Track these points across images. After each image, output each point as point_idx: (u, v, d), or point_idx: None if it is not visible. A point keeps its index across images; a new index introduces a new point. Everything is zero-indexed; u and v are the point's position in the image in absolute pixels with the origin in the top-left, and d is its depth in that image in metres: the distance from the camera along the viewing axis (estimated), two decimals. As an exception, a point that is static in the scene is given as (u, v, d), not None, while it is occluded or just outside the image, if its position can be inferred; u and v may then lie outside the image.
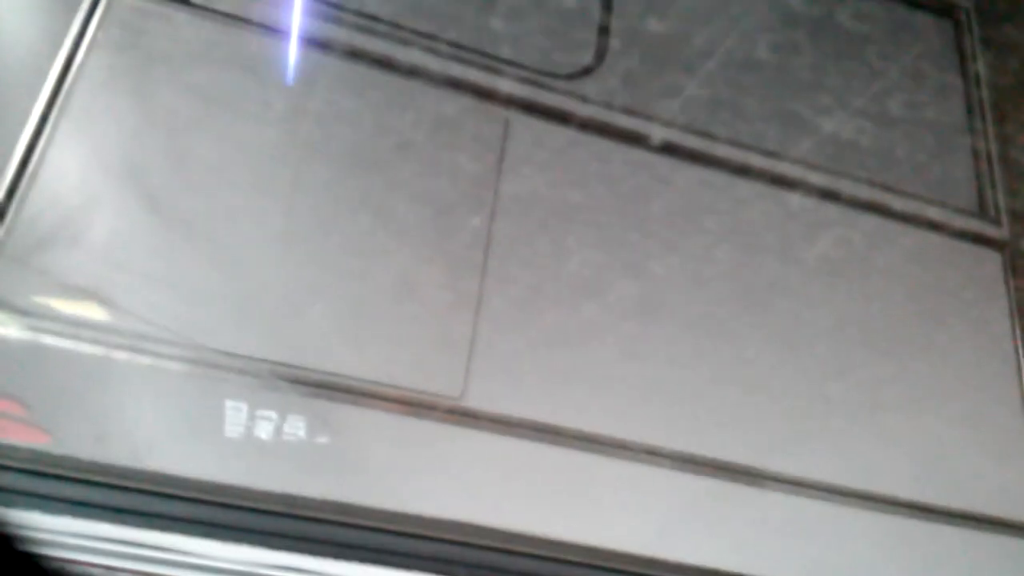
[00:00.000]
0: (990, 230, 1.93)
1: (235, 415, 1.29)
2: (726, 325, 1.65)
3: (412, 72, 1.63)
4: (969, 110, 2.06)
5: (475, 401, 1.44)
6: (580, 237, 1.64)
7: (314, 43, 1.58)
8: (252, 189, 1.46)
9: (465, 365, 1.46)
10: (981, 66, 2.11)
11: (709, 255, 1.71)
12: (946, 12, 2.16)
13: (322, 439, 1.32)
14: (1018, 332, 1.83)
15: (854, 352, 1.71)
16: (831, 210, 1.82)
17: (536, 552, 1.33)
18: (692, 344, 1.61)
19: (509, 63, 1.70)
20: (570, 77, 1.75)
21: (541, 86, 1.71)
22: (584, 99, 1.73)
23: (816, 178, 1.84)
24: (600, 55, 1.80)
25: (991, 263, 1.89)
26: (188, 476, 1.22)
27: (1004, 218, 1.95)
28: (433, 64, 1.64)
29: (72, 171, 1.36)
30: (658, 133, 1.76)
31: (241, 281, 1.39)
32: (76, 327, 1.26)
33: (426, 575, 1.24)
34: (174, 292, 1.34)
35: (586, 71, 1.77)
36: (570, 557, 1.35)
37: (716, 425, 1.56)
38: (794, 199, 1.81)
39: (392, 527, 1.26)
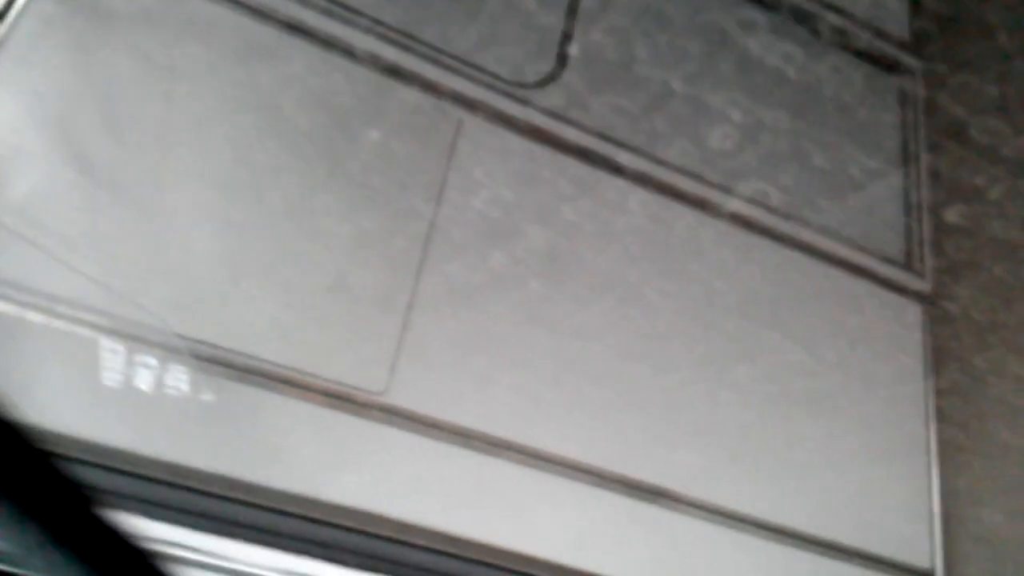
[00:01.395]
0: (914, 282, 2.00)
1: (143, 385, 1.26)
2: (652, 348, 1.68)
3: (368, 60, 1.61)
4: (905, 166, 2.14)
5: (397, 398, 1.43)
6: (521, 246, 1.64)
7: (272, 21, 1.55)
8: (189, 162, 1.42)
9: (391, 362, 1.45)
10: (921, 126, 2.20)
11: (638, 276, 1.74)
12: (893, 68, 2.25)
13: (232, 419, 1.29)
14: (931, 385, 1.91)
15: (770, 386, 1.75)
16: (760, 245, 1.87)
17: (438, 547, 1.32)
18: (619, 368, 1.63)
19: (468, 64, 1.70)
20: (527, 86, 1.76)
21: (497, 91, 1.71)
22: (538, 108, 1.74)
23: (749, 211, 1.89)
24: (560, 66, 1.81)
25: (911, 314, 1.97)
26: (80, 437, 1.18)
27: (928, 272, 2.02)
28: (389, 54, 1.63)
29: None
30: (605, 149, 1.78)
31: (167, 253, 1.35)
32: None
33: (318, 561, 1.21)
34: (93, 257, 1.29)
35: (544, 81, 1.79)
36: (473, 555, 1.35)
37: (634, 445, 1.58)
38: (724, 229, 1.85)
39: (292, 509, 1.24)
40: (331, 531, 1.23)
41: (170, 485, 1.15)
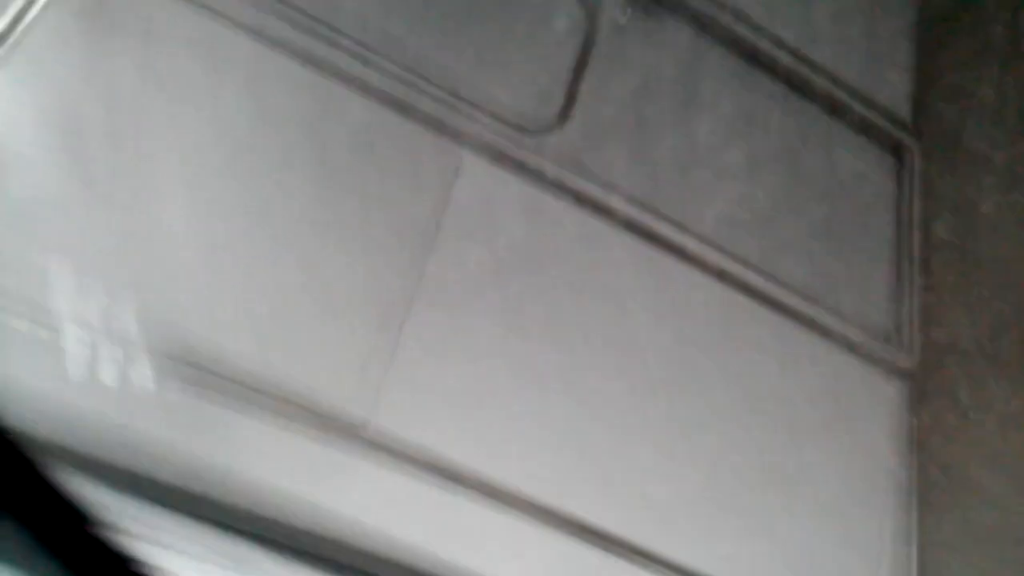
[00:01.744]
0: (901, 359, 2.00)
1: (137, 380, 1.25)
2: (642, 403, 1.67)
3: (374, 93, 1.63)
4: (899, 244, 2.16)
5: (378, 430, 1.41)
6: (513, 289, 1.65)
7: (281, 48, 1.58)
8: (186, 177, 1.43)
9: (375, 394, 1.44)
10: (916, 205, 2.22)
11: (633, 331, 1.74)
12: (894, 149, 2.28)
13: (199, 432, 1.28)
14: (908, 460, 1.89)
15: (745, 447, 1.74)
16: (753, 307, 1.88)
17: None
18: (605, 412, 1.63)
19: (474, 105, 1.72)
20: (532, 132, 1.78)
21: (502, 135, 1.73)
22: (542, 155, 1.76)
23: (742, 273, 1.90)
24: (565, 115, 1.84)
25: (894, 389, 1.96)
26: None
27: (914, 348, 2.03)
28: (396, 90, 1.65)
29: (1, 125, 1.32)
30: (604, 200, 1.79)
31: (154, 263, 1.35)
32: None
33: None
34: (82, 264, 1.29)
35: (549, 128, 1.81)
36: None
37: (605, 493, 1.57)
38: (712, 288, 1.86)
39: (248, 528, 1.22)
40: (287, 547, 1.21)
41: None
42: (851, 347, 1.95)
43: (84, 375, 1.20)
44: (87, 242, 1.31)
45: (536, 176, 1.74)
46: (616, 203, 1.80)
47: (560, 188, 1.76)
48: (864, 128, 2.24)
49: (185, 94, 1.47)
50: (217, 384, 1.31)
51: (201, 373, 1.30)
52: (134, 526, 1.12)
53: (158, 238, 1.37)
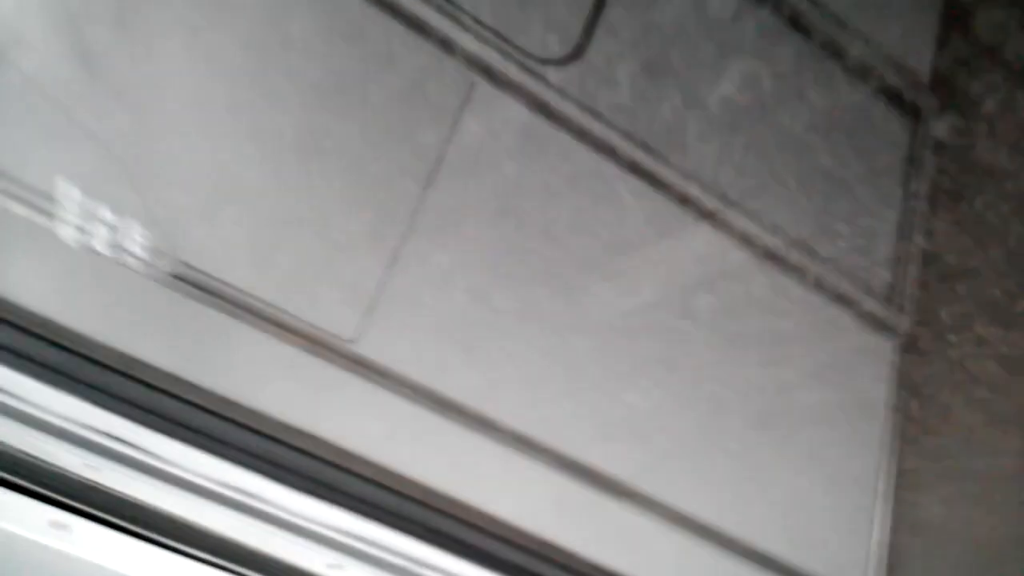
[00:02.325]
0: (893, 317, 2.01)
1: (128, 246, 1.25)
2: (621, 345, 1.68)
3: (390, 9, 1.60)
4: (904, 201, 2.15)
5: (367, 349, 1.43)
6: (512, 222, 1.64)
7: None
8: (196, 76, 1.41)
9: (365, 312, 1.45)
10: (926, 165, 2.20)
11: (631, 272, 1.74)
12: (910, 109, 2.25)
13: (200, 335, 1.29)
14: (895, 420, 1.92)
15: (738, 393, 1.76)
16: (752, 257, 1.88)
17: (381, 481, 1.32)
18: (600, 353, 1.64)
19: (490, 29, 1.69)
20: (547, 61, 1.75)
21: (515, 61, 1.70)
22: (553, 88, 1.73)
23: (743, 223, 1.89)
24: (580, 48, 1.80)
25: (886, 349, 1.98)
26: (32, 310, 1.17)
27: (908, 309, 2.03)
28: (415, 7, 1.61)
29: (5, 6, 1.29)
30: (610, 140, 1.77)
31: (156, 165, 1.34)
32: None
33: (258, 475, 1.21)
34: (84, 153, 1.28)
35: (564, 60, 1.78)
36: (417, 497, 1.35)
37: (598, 433, 1.59)
38: (715, 239, 1.86)
39: (240, 419, 1.23)
40: (277, 447, 1.23)
41: (119, 373, 1.14)
42: (847, 302, 1.95)
43: (79, 243, 1.19)
44: (91, 133, 1.30)
45: (545, 109, 1.72)
46: (621, 144, 1.78)
47: (568, 124, 1.74)
48: (882, 88, 2.21)
49: (195, 11, 1.43)
50: (210, 286, 1.32)
51: (195, 273, 1.31)
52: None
53: (163, 139, 1.36)
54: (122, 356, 1.18)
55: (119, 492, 1.12)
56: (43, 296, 1.17)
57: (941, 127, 2.25)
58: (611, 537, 1.56)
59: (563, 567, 1.44)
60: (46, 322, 1.15)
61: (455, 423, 1.47)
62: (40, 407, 1.07)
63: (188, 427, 1.15)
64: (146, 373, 1.19)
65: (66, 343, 1.14)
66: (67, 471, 1.09)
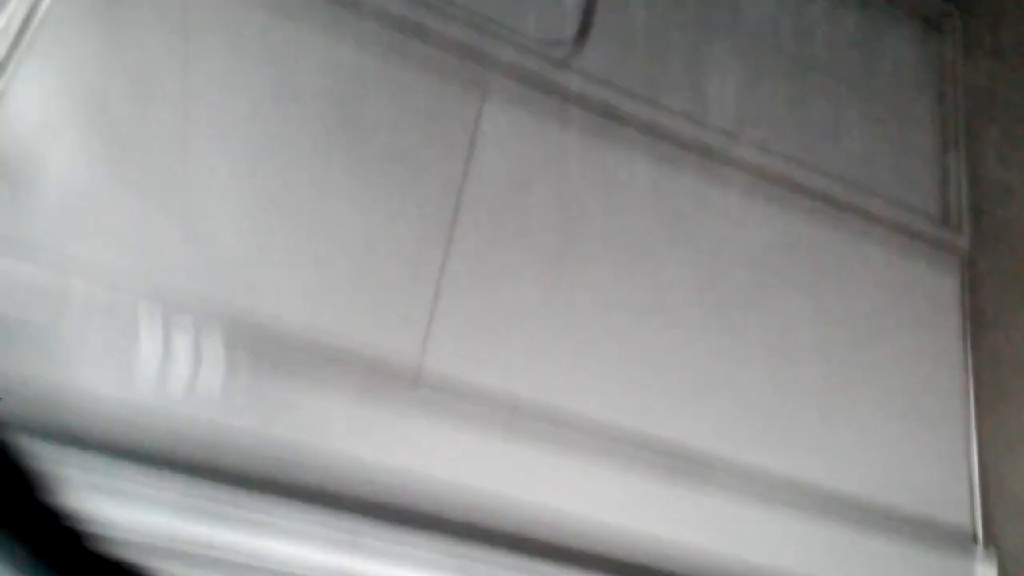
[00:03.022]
0: (951, 237, 1.96)
1: (177, 358, 1.26)
2: (700, 317, 1.66)
3: (396, 22, 1.59)
4: (943, 121, 2.09)
5: (432, 369, 1.42)
6: (550, 212, 1.63)
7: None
8: (215, 130, 1.41)
9: (424, 332, 1.44)
10: (960, 79, 2.14)
11: (672, 249, 1.71)
12: (933, 23, 2.18)
13: (263, 390, 1.30)
14: (969, 342, 1.87)
15: (805, 345, 1.73)
16: (798, 200, 1.84)
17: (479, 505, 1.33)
18: (668, 335, 1.62)
19: (497, 24, 1.67)
20: (553, 43, 1.73)
21: (527, 52, 1.68)
22: (568, 71, 1.71)
23: (785, 168, 1.85)
24: (586, 27, 1.78)
25: (949, 271, 1.93)
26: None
27: (965, 228, 1.98)
28: (419, 16, 1.60)
29: (33, 111, 1.31)
30: (636, 113, 1.75)
31: (193, 223, 1.35)
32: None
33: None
34: (123, 228, 1.30)
35: (570, 42, 1.75)
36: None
37: (673, 407, 1.57)
38: (759, 186, 1.82)
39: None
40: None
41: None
42: (903, 231, 1.91)
43: (153, 380, 1.21)
44: (124, 231, 1.31)
45: (563, 95, 1.70)
46: (649, 114, 1.75)
47: (588, 106, 1.71)
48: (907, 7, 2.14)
49: (207, 44, 1.44)
50: (278, 359, 1.33)
51: (261, 352, 1.31)
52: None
53: (197, 202, 1.37)
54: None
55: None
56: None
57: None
58: (715, 518, 1.54)
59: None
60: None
61: (529, 430, 1.47)
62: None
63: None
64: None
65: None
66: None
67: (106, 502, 1.08)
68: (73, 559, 0.53)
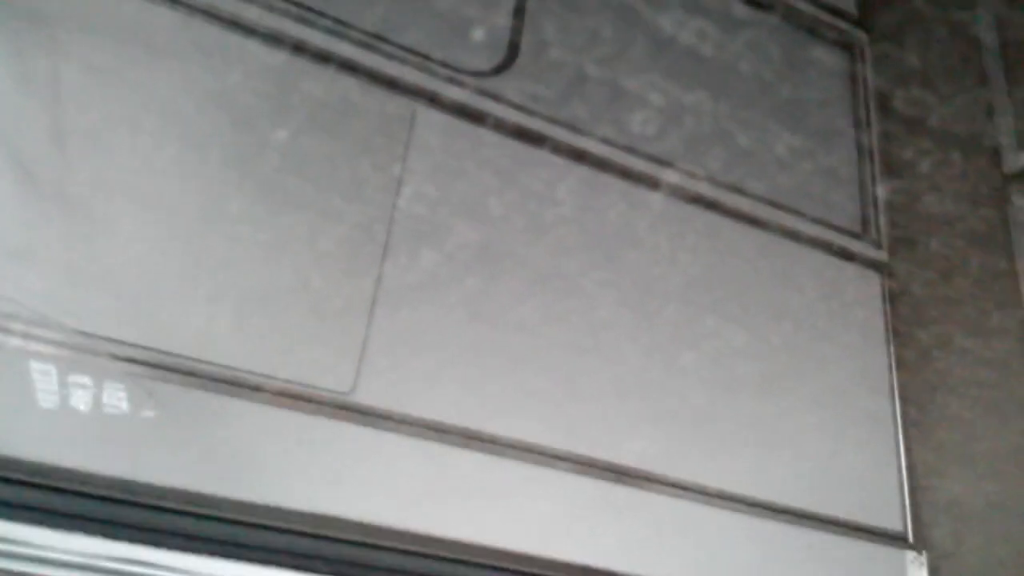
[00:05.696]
0: (871, 252, 2.03)
1: (107, 403, 1.23)
2: (625, 335, 1.68)
3: (315, 55, 1.58)
4: (858, 139, 2.17)
5: (365, 397, 1.41)
6: (484, 233, 1.63)
7: (214, 19, 1.52)
8: (135, 165, 1.38)
9: (357, 360, 1.43)
10: (872, 97, 2.23)
11: (610, 260, 1.74)
12: (844, 45, 2.27)
13: (196, 431, 1.27)
14: (892, 351, 1.94)
15: (735, 363, 1.77)
16: (718, 221, 1.89)
17: (415, 549, 1.31)
18: (593, 359, 1.64)
19: (418, 54, 1.68)
20: (479, 75, 1.74)
21: (450, 81, 1.70)
22: (491, 97, 1.73)
23: (704, 189, 1.89)
24: (512, 55, 1.80)
25: (870, 282, 2.00)
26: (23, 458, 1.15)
27: (884, 242, 2.05)
28: (339, 47, 1.60)
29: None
30: (560, 135, 1.77)
31: (117, 261, 1.32)
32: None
33: (289, 571, 1.19)
34: (42, 268, 1.26)
35: (496, 70, 1.77)
36: (452, 555, 1.34)
37: (595, 430, 1.59)
38: (681, 208, 1.86)
39: (258, 521, 1.22)
40: (298, 539, 1.21)
41: (123, 503, 1.12)
42: (825, 248, 1.97)
43: (56, 403, 1.18)
44: (39, 247, 1.27)
45: (490, 120, 1.72)
46: (575, 141, 1.78)
47: (513, 130, 1.73)
48: (813, 25, 2.23)
49: (125, 80, 1.41)
50: (207, 382, 1.31)
51: (182, 375, 1.29)
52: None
53: (116, 239, 1.33)
54: (123, 483, 1.17)
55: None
56: (30, 443, 1.16)
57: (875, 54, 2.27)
58: (648, 528, 1.56)
59: None
60: (38, 467, 1.13)
61: (470, 449, 1.47)
62: (52, 550, 1.05)
63: (201, 538, 1.13)
64: (149, 495, 1.17)
65: (61, 484, 1.11)
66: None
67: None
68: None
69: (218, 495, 1.23)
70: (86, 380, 1.22)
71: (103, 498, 1.10)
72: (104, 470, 1.18)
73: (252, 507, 1.24)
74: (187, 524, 1.13)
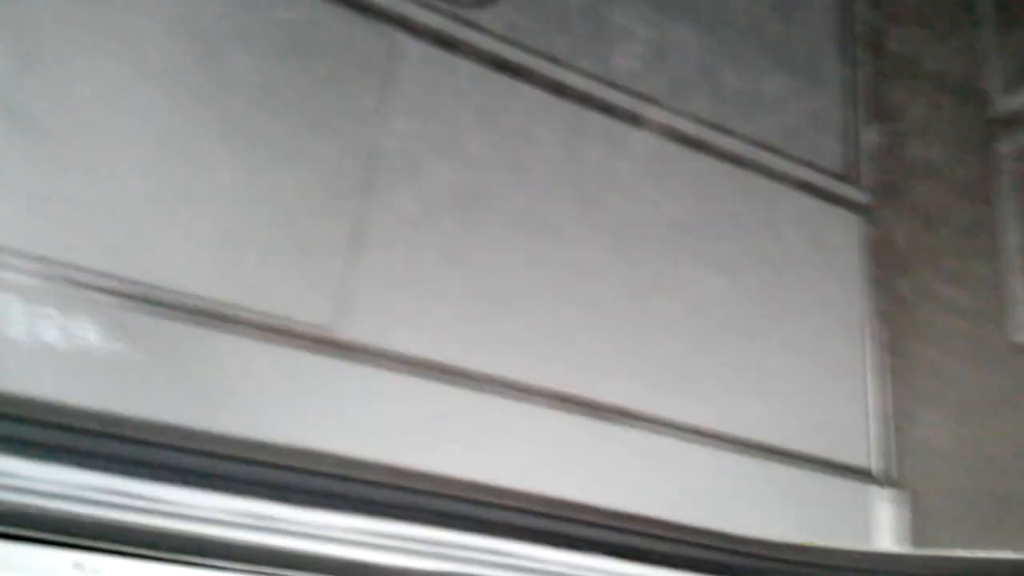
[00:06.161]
0: (854, 193, 2.03)
1: (77, 333, 1.23)
2: (610, 271, 1.69)
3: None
4: (852, 82, 2.15)
5: (345, 331, 1.42)
6: (458, 188, 1.62)
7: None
8: (104, 92, 1.35)
9: (337, 294, 1.44)
10: (861, 37, 2.20)
11: (593, 200, 1.74)
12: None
13: (172, 362, 1.28)
14: (867, 294, 1.96)
15: (714, 301, 1.78)
16: (700, 161, 1.88)
17: (393, 482, 1.33)
18: (580, 307, 1.65)
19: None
20: (462, 4, 1.71)
21: (432, 9, 1.66)
22: (475, 28, 1.70)
23: (687, 127, 1.88)
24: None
25: (852, 224, 2.01)
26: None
27: (867, 183, 2.06)
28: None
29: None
30: (548, 72, 1.75)
31: (86, 190, 1.30)
32: None
33: (268, 501, 1.21)
34: (6, 194, 1.25)
35: (482, 3, 1.74)
36: (429, 488, 1.36)
37: (586, 366, 1.61)
38: (669, 121, 1.85)
39: (236, 453, 1.23)
40: (275, 471, 1.22)
41: (99, 434, 1.13)
42: (808, 189, 1.97)
43: (23, 333, 1.18)
44: (17, 176, 1.26)
45: (475, 52, 1.69)
46: (559, 74, 1.76)
47: (501, 63, 1.71)
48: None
49: (94, 7, 1.38)
50: (182, 314, 1.31)
51: (163, 307, 1.29)
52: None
53: (96, 168, 1.31)
54: (102, 416, 1.18)
55: (139, 526, 1.13)
56: (13, 375, 1.16)
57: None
58: (630, 469, 1.59)
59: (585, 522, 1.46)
60: (6, 398, 1.14)
61: (450, 385, 1.48)
62: (43, 481, 1.07)
63: (179, 470, 1.14)
64: (133, 428, 1.18)
65: (34, 414, 1.12)
66: (83, 517, 1.10)
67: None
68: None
69: (196, 427, 1.24)
70: (53, 311, 1.22)
71: (77, 429, 1.11)
72: (78, 401, 1.18)
73: (230, 440, 1.26)
74: (164, 456, 1.14)
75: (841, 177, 2.03)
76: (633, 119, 1.82)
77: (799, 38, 2.10)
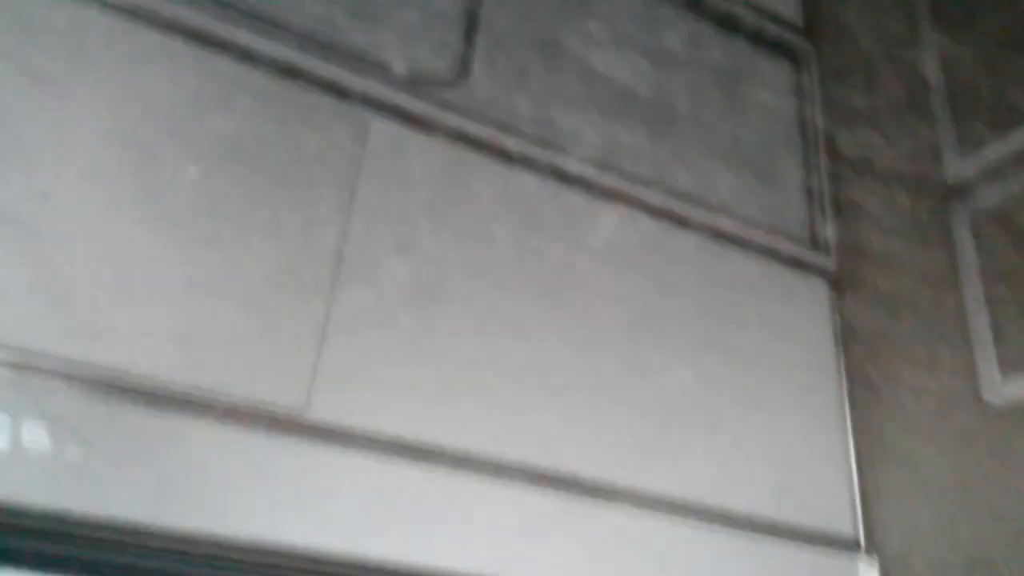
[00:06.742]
0: (819, 260, 2.07)
1: (44, 431, 1.16)
2: (581, 349, 1.68)
3: (266, 63, 1.54)
4: (804, 145, 2.21)
5: (319, 414, 1.38)
6: (436, 247, 1.60)
7: (162, 26, 1.46)
8: (77, 176, 1.32)
9: (310, 376, 1.39)
10: (817, 105, 2.27)
11: (564, 275, 1.73)
12: (787, 52, 2.31)
13: (134, 454, 1.21)
14: (842, 358, 1.97)
15: (687, 372, 1.77)
16: (666, 230, 1.89)
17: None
18: (550, 366, 1.63)
19: (372, 64, 1.65)
20: (434, 85, 1.72)
21: (404, 91, 1.67)
22: (447, 108, 1.71)
23: (652, 198, 1.90)
24: (465, 67, 1.78)
25: (819, 291, 2.03)
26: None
27: (832, 249, 2.09)
28: (292, 57, 1.56)
29: None
30: (514, 147, 1.76)
31: (54, 274, 1.25)
32: None
33: None
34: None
35: (450, 82, 1.75)
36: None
37: (559, 443, 1.58)
38: (627, 214, 1.86)
39: (204, 552, 1.16)
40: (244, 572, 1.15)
41: (58, 537, 1.04)
42: (775, 257, 1.99)
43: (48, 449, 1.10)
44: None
45: (444, 130, 1.69)
46: (527, 149, 1.77)
47: (469, 140, 1.72)
48: (758, 35, 2.26)
49: (69, 87, 1.35)
50: (148, 401, 1.25)
51: (124, 402, 1.23)
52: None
53: (57, 251, 1.27)
54: (61, 518, 1.09)
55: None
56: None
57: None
58: (607, 543, 1.55)
59: None
60: None
61: (417, 465, 1.43)
62: None
63: (144, 572, 1.06)
64: (94, 530, 1.10)
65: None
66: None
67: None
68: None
69: (156, 524, 1.17)
70: (11, 397, 1.15)
71: (35, 531, 1.03)
72: (27, 501, 1.10)
73: (191, 539, 1.18)
74: (126, 558, 1.06)
75: (808, 244, 2.07)
76: (591, 215, 1.83)
77: (752, 142, 2.15)
